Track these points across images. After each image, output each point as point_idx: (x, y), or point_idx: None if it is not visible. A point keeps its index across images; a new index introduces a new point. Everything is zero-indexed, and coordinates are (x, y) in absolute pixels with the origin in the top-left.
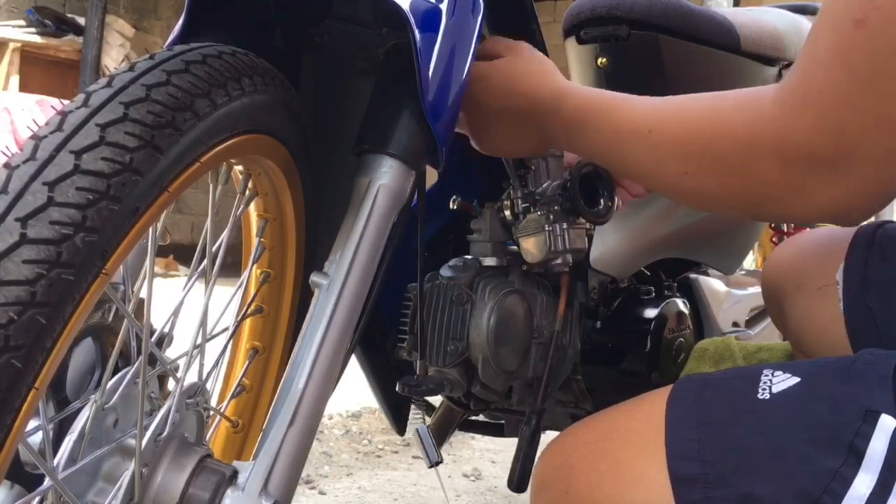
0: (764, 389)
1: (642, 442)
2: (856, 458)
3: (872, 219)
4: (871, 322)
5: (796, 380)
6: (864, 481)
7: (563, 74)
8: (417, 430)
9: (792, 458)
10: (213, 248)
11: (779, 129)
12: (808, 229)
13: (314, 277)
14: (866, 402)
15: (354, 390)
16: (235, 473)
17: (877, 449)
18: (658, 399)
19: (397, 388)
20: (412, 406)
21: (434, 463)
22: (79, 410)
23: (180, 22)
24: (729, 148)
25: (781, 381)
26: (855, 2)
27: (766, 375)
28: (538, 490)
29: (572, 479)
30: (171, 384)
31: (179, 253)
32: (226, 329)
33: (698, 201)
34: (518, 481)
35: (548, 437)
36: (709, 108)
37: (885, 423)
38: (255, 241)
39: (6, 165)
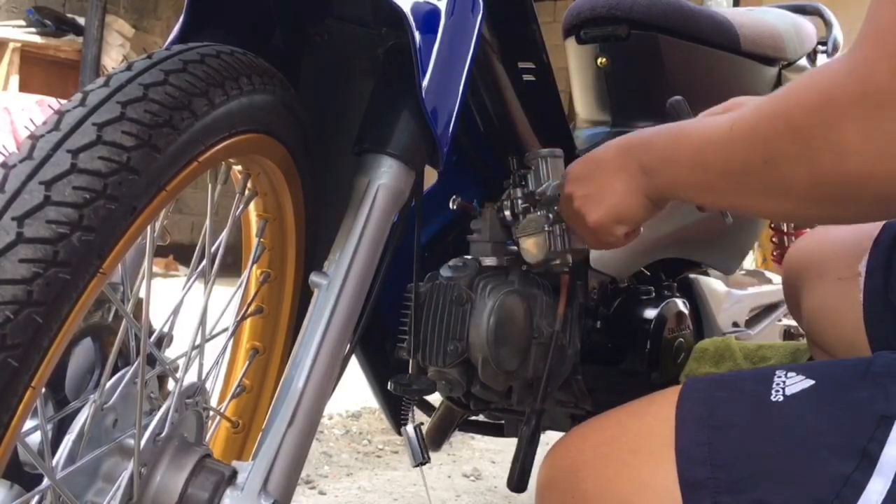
0: (777, 391)
1: (651, 446)
2: (869, 463)
3: None
4: (891, 316)
5: (810, 382)
6: (877, 487)
7: (563, 75)
8: (405, 429)
9: (804, 463)
10: (213, 248)
11: (854, 83)
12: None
13: (314, 277)
14: (881, 407)
15: (354, 390)
16: (235, 473)
17: (891, 455)
18: (667, 400)
19: (389, 387)
20: (412, 406)
21: (419, 463)
22: (78, 410)
23: (180, 22)
24: (805, 120)
25: (795, 384)
26: None
27: (780, 377)
28: (543, 492)
29: (578, 484)
30: (170, 384)
31: (179, 253)
32: (226, 329)
33: (784, 202)
34: (518, 481)
35: (548, 436)
36: (784, 92)
37: None
38: (254, 241)
39: (3, 165)
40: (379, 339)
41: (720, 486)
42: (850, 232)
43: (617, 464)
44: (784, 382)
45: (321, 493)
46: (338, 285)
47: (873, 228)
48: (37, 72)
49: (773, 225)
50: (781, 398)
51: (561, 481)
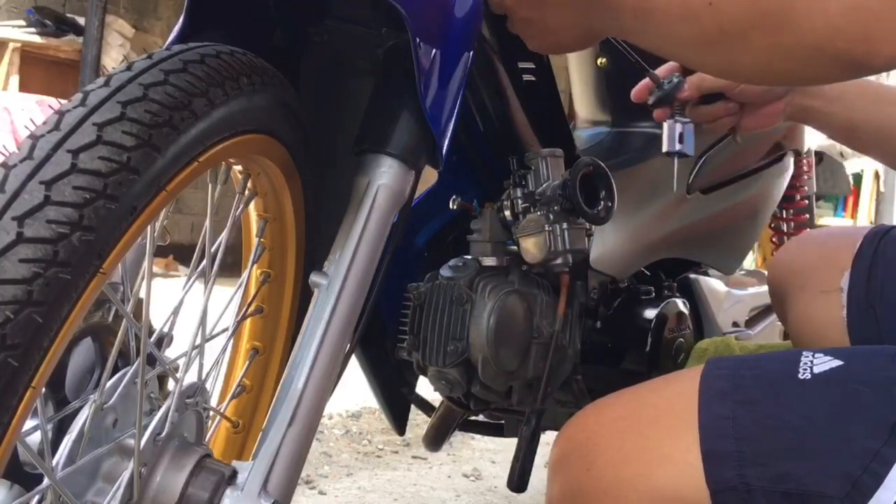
0: (805, 370)
1: (673, 420)
2: None
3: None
4: (874, 331)
5: (839, 362)
6: None
7: (563, 75)
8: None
9: (832, 438)
10: (213, 248)
11: None
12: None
13: (314, 277)
14: None
15: (354, 390)
16: (235, 473)
17: None
18: (690, 377)
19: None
20: (412, 406)
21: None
22: (78, 410)
23: (180, 22)
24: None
25: (823, 363)
26: None
27: (807, 357)
28: (557, 465)
29: (596, 457)
30: (170, 384)
31: (179, 253)
32: (226, 329)
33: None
34: (518, 481)
35: (548, 436)
36: None
37: None
38: (254, 241)
39: (3, 165)
40: (379, 339)
41: (744, 459)
42: (831, 242)
43: (636, 437)
44: (812, 362)
45: (321, 493)
46: (338, 285)
47: (854, 237)
48: (37, 72)
49: (772, 225)
50: (809, 376)
51: (576, 455)
